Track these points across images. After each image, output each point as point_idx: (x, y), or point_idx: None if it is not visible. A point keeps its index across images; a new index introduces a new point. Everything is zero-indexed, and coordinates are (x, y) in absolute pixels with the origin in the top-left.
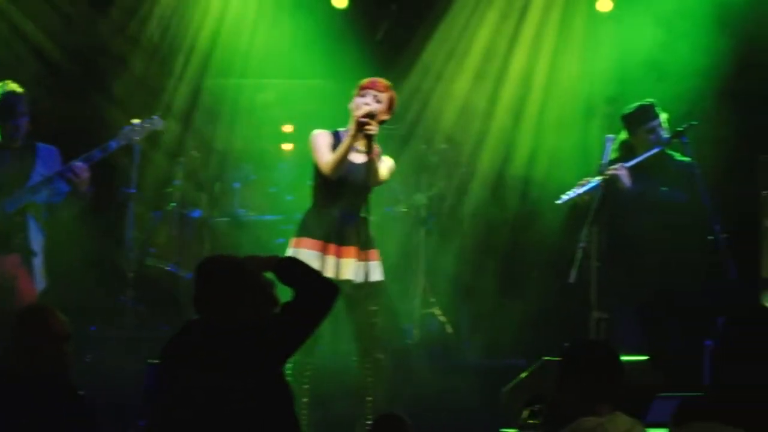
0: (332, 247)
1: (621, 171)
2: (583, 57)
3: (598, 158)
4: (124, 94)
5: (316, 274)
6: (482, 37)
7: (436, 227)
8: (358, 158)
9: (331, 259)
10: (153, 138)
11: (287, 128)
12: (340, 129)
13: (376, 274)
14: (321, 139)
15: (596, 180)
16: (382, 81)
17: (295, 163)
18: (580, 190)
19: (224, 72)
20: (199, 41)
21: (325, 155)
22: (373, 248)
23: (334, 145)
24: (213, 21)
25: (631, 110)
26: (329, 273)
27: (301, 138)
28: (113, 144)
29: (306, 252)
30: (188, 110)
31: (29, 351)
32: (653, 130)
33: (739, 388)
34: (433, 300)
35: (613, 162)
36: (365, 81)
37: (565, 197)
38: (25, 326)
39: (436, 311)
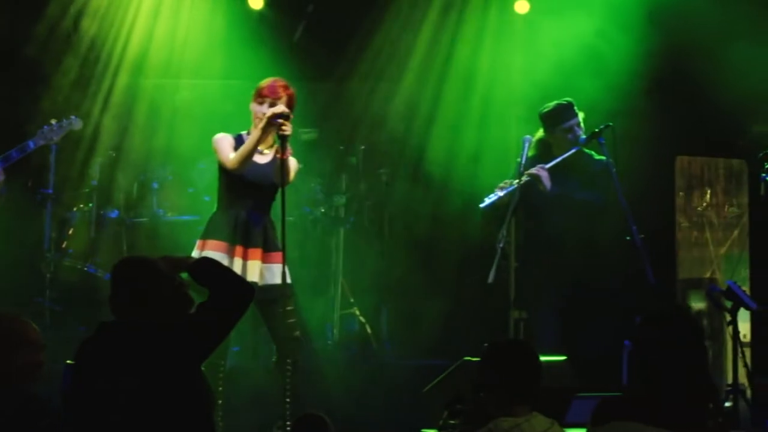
0: (239, 249)
1: (542, 173)
2: (517, 58)
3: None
4: (42, 94)
5: (231, 274)
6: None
7: (355, 228)
8: (262, 159)
9: (237, 261)
10: (70, 138)
11: (205, 129)
12: (243, 132)
13: (285, 275)
14: (224, 139)
15: (517, 181)
16: (279, 84)
17: (213, 164)
18: (502, 193)
19: (142, 72)
20: (118, 42)
21: (230, 153)
22: (279, 250)
23: (237, 148)
24: (131, 22)
25: (549, 109)
26: None
27: None
28: (31, 144)
29: (212, 254)
30: (106, 110)
31: (6, 362)
32: (570, 129)
33: (655, 386)
34: (352, 300)
35: (530, 161)
36: (264, 87)
37: (488, 200)
38: (2, 336)
39: (356, 311)
